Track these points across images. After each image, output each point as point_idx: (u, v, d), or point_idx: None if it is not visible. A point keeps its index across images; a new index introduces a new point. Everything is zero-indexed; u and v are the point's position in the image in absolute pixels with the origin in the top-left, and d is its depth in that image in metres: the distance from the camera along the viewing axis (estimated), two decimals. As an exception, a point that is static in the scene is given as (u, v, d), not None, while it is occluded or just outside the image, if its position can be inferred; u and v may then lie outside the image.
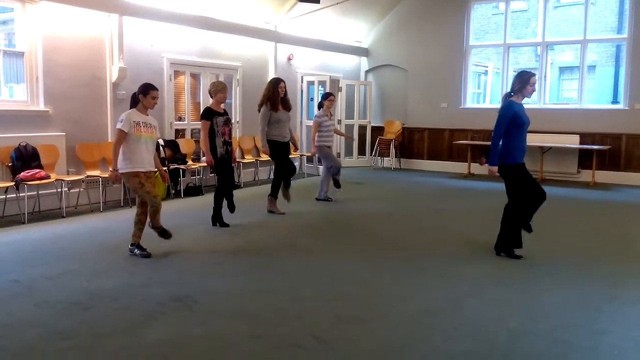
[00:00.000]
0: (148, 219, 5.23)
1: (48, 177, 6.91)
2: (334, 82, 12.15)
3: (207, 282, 4.49)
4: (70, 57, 7.62)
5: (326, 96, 8.39)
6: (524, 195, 5.09)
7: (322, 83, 12.02)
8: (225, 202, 6.53)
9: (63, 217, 7.01)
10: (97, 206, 7.57)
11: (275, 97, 7.05)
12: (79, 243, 5.74)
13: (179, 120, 9.96)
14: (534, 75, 5.08)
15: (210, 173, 9.22)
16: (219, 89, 6.35)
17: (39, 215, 7.06)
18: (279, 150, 7.18)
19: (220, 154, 6.33)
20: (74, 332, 3.48)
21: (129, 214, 7.03)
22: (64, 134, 7.51)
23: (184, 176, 8.91)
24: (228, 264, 5.08)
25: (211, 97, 6.45)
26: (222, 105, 6.51)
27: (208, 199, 6.55)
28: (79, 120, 7.73)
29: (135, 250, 5.19)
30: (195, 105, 10.81)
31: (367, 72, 13.75)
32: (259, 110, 7.14)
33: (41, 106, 7.36)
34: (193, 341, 3.37)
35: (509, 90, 5.23)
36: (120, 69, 8.01)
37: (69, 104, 7.61)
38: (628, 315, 3.86)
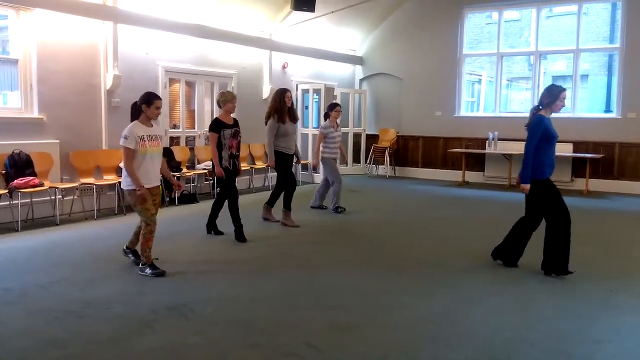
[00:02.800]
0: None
1: (42, 184, 6.88)
2: (329, 90, 12.16)
3: (202, 291, 4.46)
4: (65, 64, 7.60)
5: (332, 107, 8.12)
6: (553, 212, 4.78)
7: (316, 91, 12.03)
8: (229, 217, 6.33)
9: (57, 224, 6.96)
10: (91, 214, 7.53)
11: (283, 108, 6.89)
12: (73, 251, 5.70)
13: (174, 128, 9.97)
14: (564, 90, 4.82)
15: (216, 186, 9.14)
16: (228, 99, 6.16)
17: (33, 223, 7.01)
18: (285, 162, 7.05)
19: (226, 167, 6.17)
20: (67, 341, 3.45)
21: (123, 222, 7.03)
22: (58, 141, 7.48)
23: (178, 184, 8.86)
24: (224, 272, 5.05)
25: (219, 107, 6.28)
26: (233, 115, 6.30)
27: (203, 206, 6.53)
28: (73, 128, 7.70)
29: (130, 255, 5.18)
30: (190, 113, 10.82)
31: (361, 80, 13.81)
32: (266, 123, 6.97)
33: (35, 113, 7.33)
34: (188, 350, 3.35)
35: (536, 103, 4.99)
36: (114, 76, 7.99)
37: (63, 112, 7.58)
38: (624, 324, 3.86)
